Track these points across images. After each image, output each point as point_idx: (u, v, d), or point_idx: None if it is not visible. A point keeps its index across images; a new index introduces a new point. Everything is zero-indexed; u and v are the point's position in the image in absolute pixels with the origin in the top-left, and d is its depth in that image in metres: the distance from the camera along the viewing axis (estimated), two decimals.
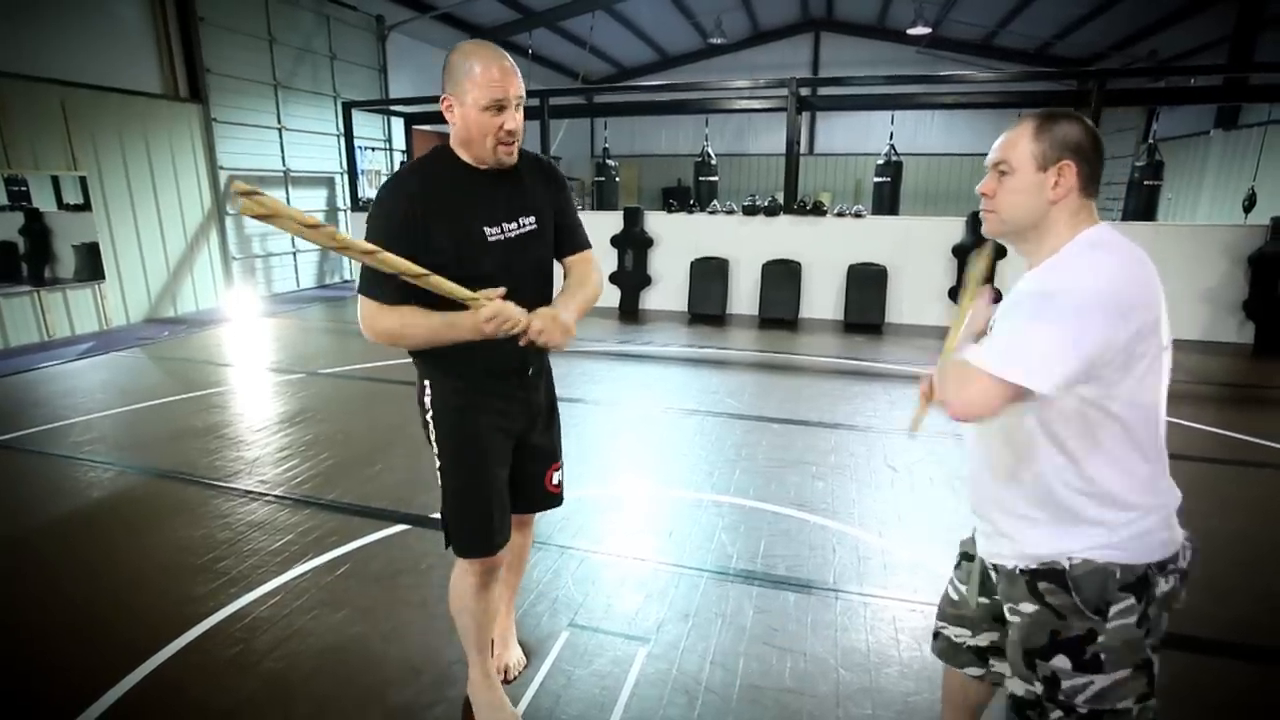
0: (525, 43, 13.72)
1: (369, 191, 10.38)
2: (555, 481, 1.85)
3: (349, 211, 9.80)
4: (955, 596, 1.40)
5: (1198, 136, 11.36)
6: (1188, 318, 6.72)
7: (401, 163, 10.06)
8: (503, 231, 1.52)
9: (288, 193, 9.45)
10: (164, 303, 7.76)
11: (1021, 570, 1.17)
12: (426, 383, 1.63)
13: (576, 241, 1.70)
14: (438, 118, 10.74)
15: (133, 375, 5.34)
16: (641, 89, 12.23)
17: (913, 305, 7.34)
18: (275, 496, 3.14)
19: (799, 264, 7.53)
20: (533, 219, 1.57)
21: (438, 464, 1.65)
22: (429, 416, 1.63)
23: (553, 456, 1.83)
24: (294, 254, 9.65)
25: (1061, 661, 1.12)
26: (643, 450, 3.78)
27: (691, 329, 7.23)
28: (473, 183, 1.49)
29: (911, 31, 13.70)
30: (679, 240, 7.99)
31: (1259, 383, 5.47)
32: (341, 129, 9.63)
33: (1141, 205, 7.20)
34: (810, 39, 17.08)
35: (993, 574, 1.27)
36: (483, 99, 1.39)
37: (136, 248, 7.37)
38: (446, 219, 1.45)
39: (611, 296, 8.20)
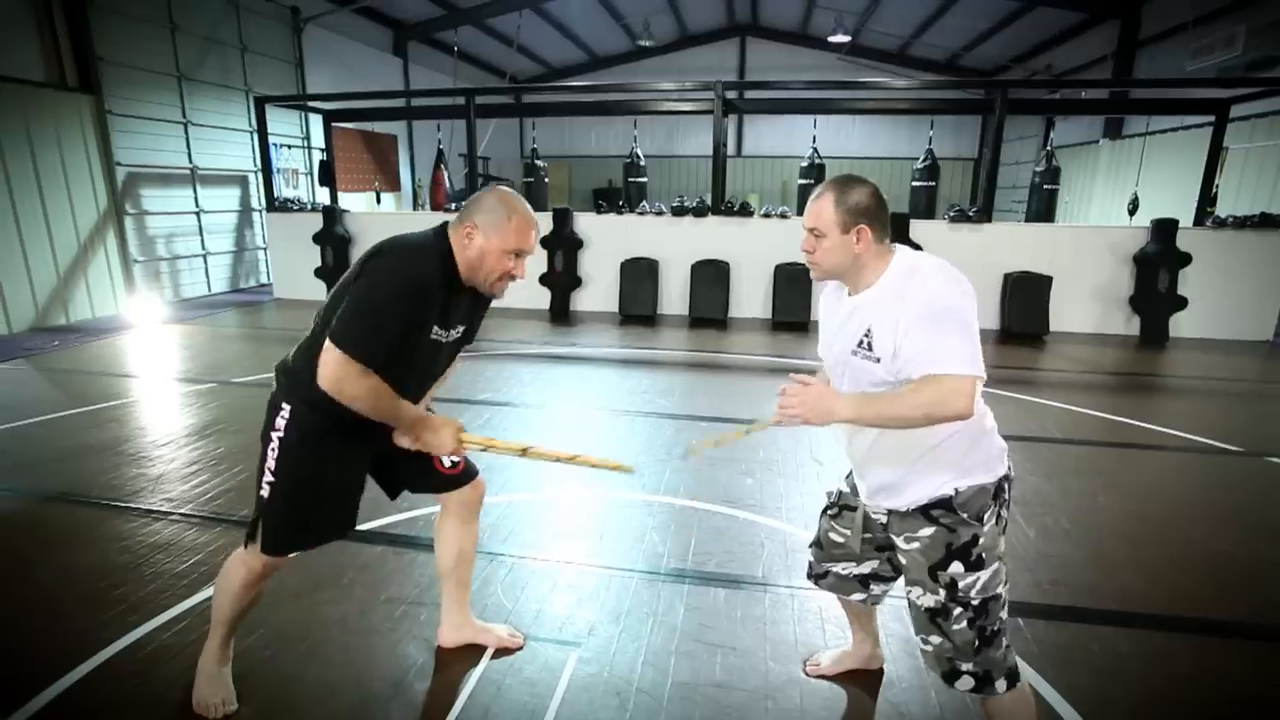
0: (451, 40, 13.44)
1: (285, 190, 9.91)
2: (447, 465, 1.90)
3: (264, 211, 9.32)
4: (839, 539, 1.75)
5: (1089, 145, 12.28)
6: (1082, 312, 7.25)
7: (321, 161, 9.62)
8: (444, 336, 1.68)
9: (196, 191, 8.89)
10: (54, 310, 7.15)
11: (916, 508, 1.48)
12: (286, 408, 1.67)
13: (472, 339, 1.89)
14: (358, 114, 10.36)
15: (15, 389, 4.90)
16: (570, 89, 12.17)
17: None
18: (182, 515, 2.94)
19: (727, 264, 7.68)
20: (462, 328, 1.75)
21: (268, 477, 1.69)
22: (275, 438, 1.67)
23: None
24: (204, 256, 9.09)
25: (957, 567, 1.44)
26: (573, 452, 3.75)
27: (622, 330, 7.25)
28: (449, 292, 1.63)
29: (832, 39, 14.20)
30: (609, 241, 8.00)
31: (1144, 371, 5.96)
32: (254, 125, 9.13)
33: (1042, 207, 7.72)
34: (737, 44, 17.45)
35: (880, 518, 1.60)
36: (509, 244, 1.59)
37: (19, 249, 6.76)
38: (424, 315, 1.59)
39: (542, 298, 8.13)
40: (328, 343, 1.51)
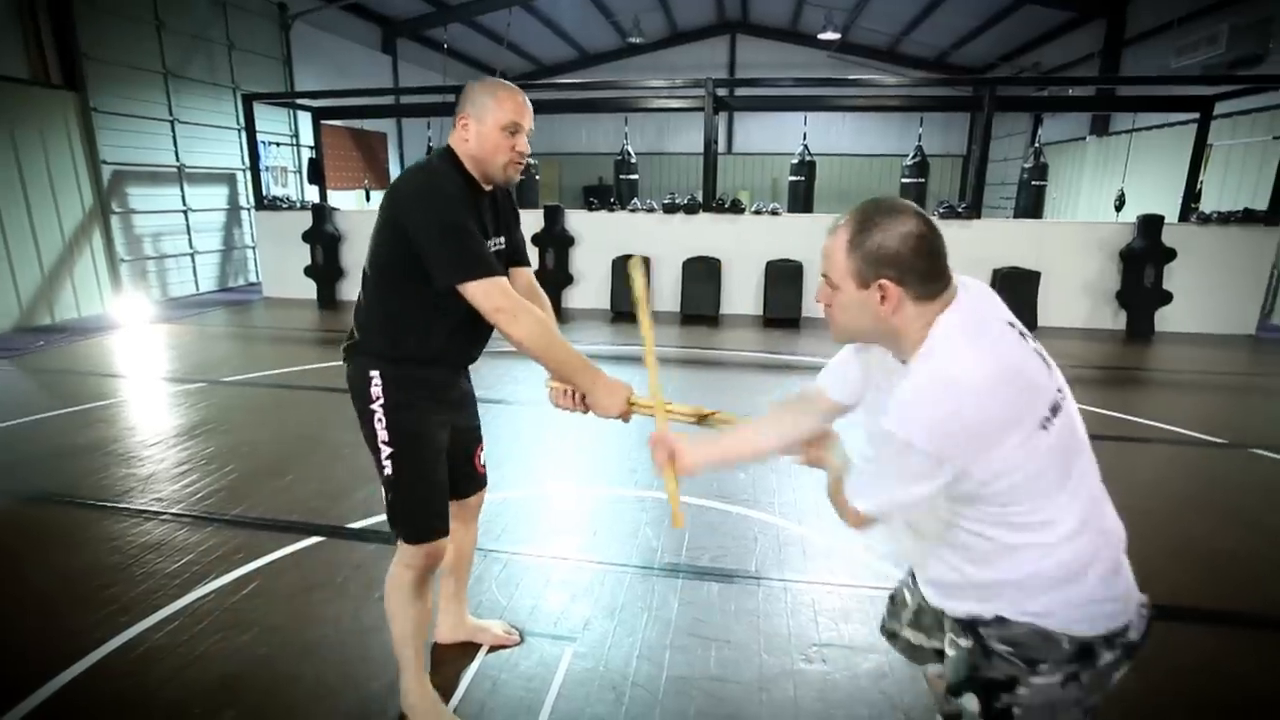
0: (440, 37, 13.37)
1: (274, 189, 9.83)
2: (481, 461, 1.93)
3: (253, 210, 9.25)
4: (914, 607, 1.36)
5: (1076, 141, 12.37)
6: (1071, 308, 7.32)
7: (310, 159, 9.57)
8: (492, 244, 1.66)
9: (183, 190, 8.81)
10: (39, 309, 7.07)
11: (959, 619, 1.12)
12: (374, 374, 1.61)
13: (525, 255, 1.84)
14: (347, 112, 10.29)
15: (1, 390, 4.84)
16: (561, 86, 12.15)
17: None
18: (173, 515, 2.92)
19: (719, 261, 7.69)
20: (502, 240, 1.73)
21: (386, 451, 1.63)
22: (378, 407, 1.61)
23: (478, 437, 1.91)
24: (192, 255, 9.01)
25: (971, 702, 1.05)
26: (565, 449, 3.76)
27: (613, 326, 7.25)
28: (474, 195, 1.62)
29: (822, 36, 14.21)
30: (600, 238, 7.99)
31: (1131, 365, 6.02)
32: (242, 123, 9.05)
33: (1031, 204, 7.79)
34: (727, 41, 17.44)
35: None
36: (503, 119, 1.56)
37: (2, 248, 6.67)
38: (470, 213, 1.57)
39: None
40: (465, 287, 1.47)
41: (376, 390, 1.61)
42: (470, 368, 1.83)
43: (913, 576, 1.36)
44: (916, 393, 0.98)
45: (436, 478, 1.69)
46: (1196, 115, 7.47)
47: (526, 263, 1.84)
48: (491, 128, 1.57)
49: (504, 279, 1.52)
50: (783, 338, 6.79)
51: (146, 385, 4.96)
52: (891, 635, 1.44)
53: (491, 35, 14.32)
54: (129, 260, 8.09)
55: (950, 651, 1.13)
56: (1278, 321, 7.54)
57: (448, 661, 2.04)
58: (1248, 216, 7.02)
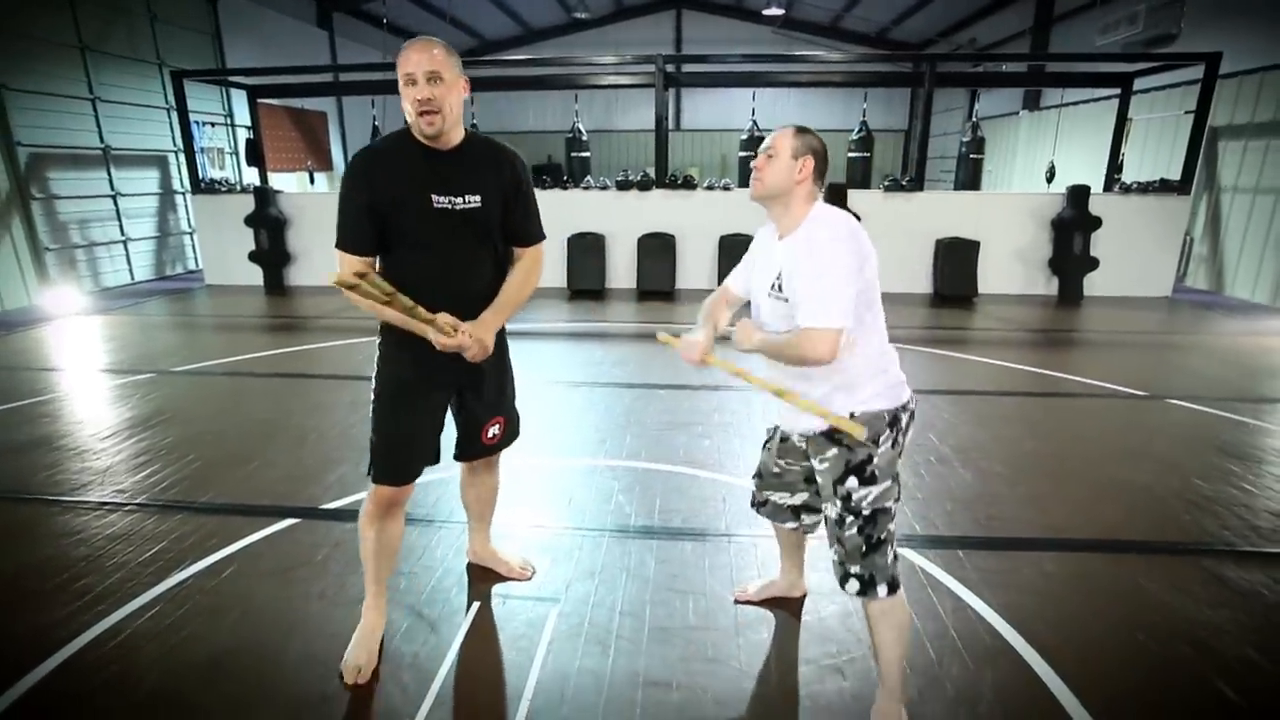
0: (379, 11, 12.91)
1: (211, 171, 9.40)
2: (490, 435, 2.05)
3: (189, 194, 8.84)
4: (776, 470, 1.93)
5: (1010, 116, 12.88)
6: (1007, 274, 7.70)
7: (247, 139, 9.17)
8: (450, 203, 1.72)
9: (110, 173, 8.35)
10: None
11: (823, 432, 1.67)
12: (380, 330, 1.87)
13: (523, 234, 1.93)
14: (285, 90, 9.87)
15: None
16: (507, 64, 11.90)
17: None
18: (137, 505, 2.87)
19: (673, 236, 7.78)
20: (477, 198, 1.75)
21: (370, 396, 1.89)
22: (376, 358, 1.88)
23: (491, 412, 2.03)
24: (124, 242, 8.57)
25: (852, 482, 1.64)
26: (535, 423, 3.80)
27: (572, 304, 7.28)
28: (425, 157, 1.71)
29: (767, 12, 14.31)
30: (554, 216, 7.89)
31: (1064, 328, 6.41)
32: (172, 102, 8.61)
33: (969, 176, 8.11)
34: (672, 17, 17.36)
35: (802, 445, 1.78)
36: (400, 76, 1.65)
37: None
38: (395, 179, 1.68)
39: None
40: None
41: (378, 342, 1.87)
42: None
43: (778, 444, 1.91)
44: (830, 226, 1.56)
45: (398, 431, 1.85)
46: (1118, 91, 7.90)
47: (525, 240, 1.94)
48: (402, 87, 1.66)
49: (346, 255, 1.70)
50: (738, 310, 6.94)
51: (88, 378, 4.76)
52: (761, 504, 2.03)
53: (432, 9, 13.91)
54: (55, 249, 7.65)
55: (822, 467, 1.69)
56: (1190, 284, 8.11)
57: (437, 626, 2.11)
58: (1164, 186, 7.50)
